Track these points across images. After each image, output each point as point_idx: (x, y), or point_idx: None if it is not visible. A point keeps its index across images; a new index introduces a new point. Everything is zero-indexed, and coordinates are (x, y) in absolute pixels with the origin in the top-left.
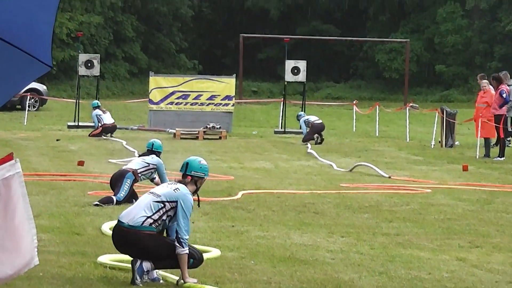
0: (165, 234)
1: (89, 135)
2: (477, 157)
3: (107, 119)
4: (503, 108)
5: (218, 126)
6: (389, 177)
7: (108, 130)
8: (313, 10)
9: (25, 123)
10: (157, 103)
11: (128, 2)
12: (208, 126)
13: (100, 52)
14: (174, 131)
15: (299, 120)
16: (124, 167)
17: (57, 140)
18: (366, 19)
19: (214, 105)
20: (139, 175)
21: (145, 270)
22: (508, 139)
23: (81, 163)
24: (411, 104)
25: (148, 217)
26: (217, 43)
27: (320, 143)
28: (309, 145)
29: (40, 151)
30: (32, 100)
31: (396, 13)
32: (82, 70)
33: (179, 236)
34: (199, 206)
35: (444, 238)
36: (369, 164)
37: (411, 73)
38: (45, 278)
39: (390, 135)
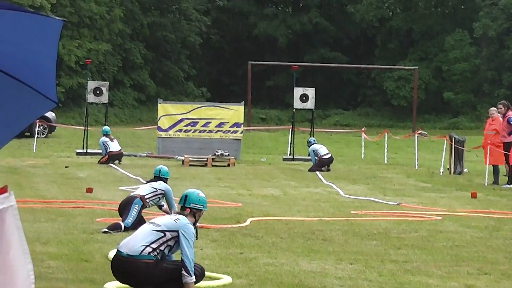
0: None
1: (98, 162)
2: (486, 184)
3: (114, 146)
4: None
5: (227, 153)
6: (398, 204)
7: (115, 157)
8: (321, 38)
9: (34, 150)
10: (165, 130)
11: (137, 30)
12: (216, 153)
13: (109, 79)
14: (183, 158)
15: (309, 147)
16: (132, 194)
17: (65, 167)
18: (374, 47)
19: (223, 132)
20: (147, 200)
21: None
22: None
23: (89, 190)
24: (419, 131)
25: (147, 246)
26: (226, 71)
27: (327, 171)
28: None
29: (48, 178)
30: (41, 127)
31: (404, 40)
32: (90, 97)
33: (186, 265)
34: (197, 238)
35: (453, 265)
36: (374, 199)
37: (419, 101)
38: None
39: (398, 162)
